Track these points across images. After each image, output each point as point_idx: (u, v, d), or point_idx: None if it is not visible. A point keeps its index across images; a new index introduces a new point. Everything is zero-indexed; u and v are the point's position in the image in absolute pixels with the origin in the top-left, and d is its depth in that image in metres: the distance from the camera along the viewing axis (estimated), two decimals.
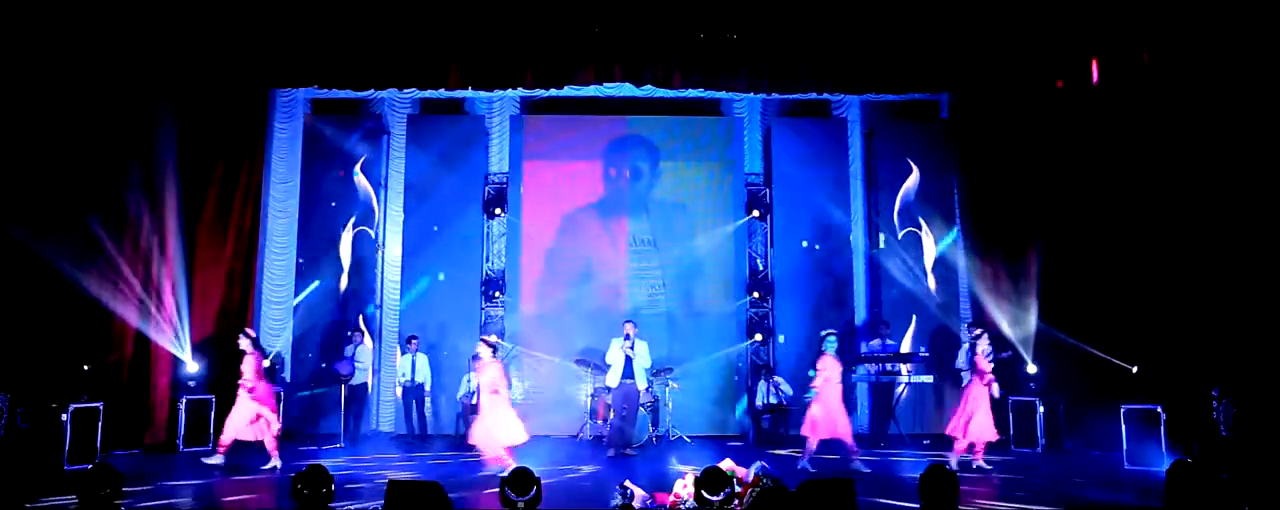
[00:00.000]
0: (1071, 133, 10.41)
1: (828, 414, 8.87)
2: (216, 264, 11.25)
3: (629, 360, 9.90)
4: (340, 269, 11.94)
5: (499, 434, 8.66)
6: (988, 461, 8.97)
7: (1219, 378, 8.51)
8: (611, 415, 10.07)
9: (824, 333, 9.30)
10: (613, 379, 9.98)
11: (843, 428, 8.94)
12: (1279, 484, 7.33)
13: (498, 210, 12.15)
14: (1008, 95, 11.18)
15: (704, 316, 12.03)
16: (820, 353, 9.12)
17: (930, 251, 12.06)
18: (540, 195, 12.20)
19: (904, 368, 11.14)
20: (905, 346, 11.61)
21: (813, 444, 8.91)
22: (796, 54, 11.23)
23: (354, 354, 11.11)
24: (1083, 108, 10.34)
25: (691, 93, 11.85)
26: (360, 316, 11.89)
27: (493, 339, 9.38)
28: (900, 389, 11.26)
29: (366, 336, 11.36)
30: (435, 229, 11.95)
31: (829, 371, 8.97)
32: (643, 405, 10.60)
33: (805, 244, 12.03)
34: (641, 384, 9.98)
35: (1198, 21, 8.96)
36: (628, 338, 9.94)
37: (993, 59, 11.11)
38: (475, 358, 10.91)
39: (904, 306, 11.93)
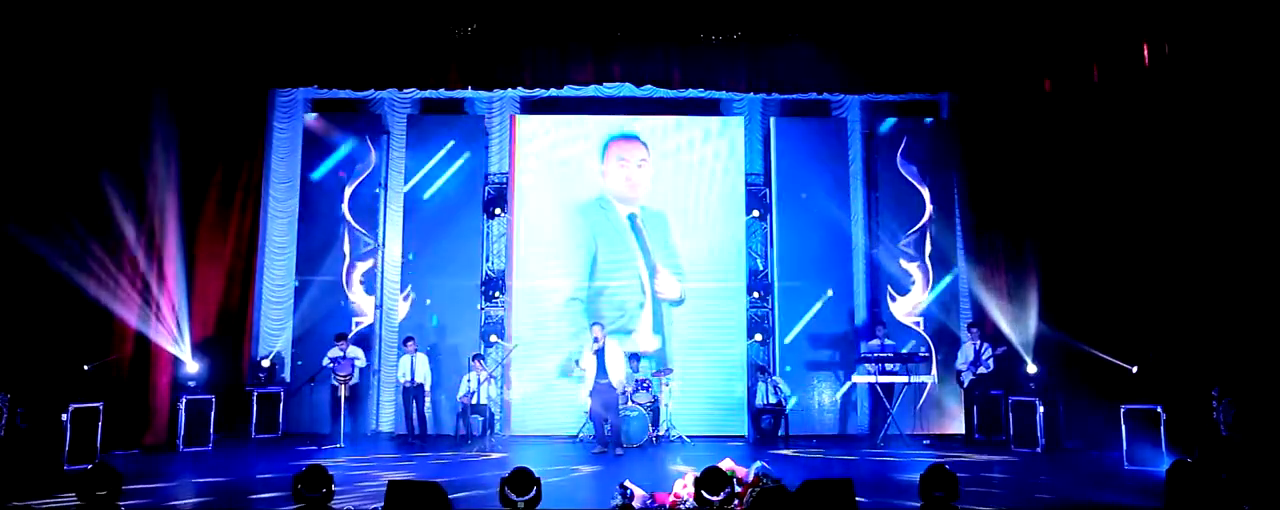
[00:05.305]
0: (1072, 133, 10.39)
1: None
2: (216, 264, 11.27)
3: (602, 363, 10.03)
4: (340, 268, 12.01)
5: None
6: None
7: (1219, 378, 8.50)
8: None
9: None
10: (589, 382, 10.15)
11: None
12: (1279, 484, 7.32)
13: (497, 210, 12.15)
14: (1008, 95, 11.19)
15: (704, 316, 12.02)
16: None
17: (929, 251, 12.10)
18: (540, 195, 12.20)
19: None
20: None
21: None
22: (796, 54, 11.25)
23: (353, 356, 11.10)
24: (1083, 108, 10.33)
25: (691, 93, 11.85)
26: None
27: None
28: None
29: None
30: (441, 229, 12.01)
31: None
32: (641, 405, 10.62)
33: (804, 243, 12.03)
34: (620, 383, 10.11)
35: (1198, 20, 8.95)
36: (596, 340, 10.09)
37: (993, 59, 11.11)
38: (476, 357, 10.99)
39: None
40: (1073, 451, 10.12)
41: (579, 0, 10.79)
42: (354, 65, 11.14)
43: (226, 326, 11.33)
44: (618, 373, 10.12)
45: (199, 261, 11.05)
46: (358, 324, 11.99)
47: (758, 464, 6.59)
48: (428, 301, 11.83)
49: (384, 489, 4.67)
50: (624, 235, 12.02)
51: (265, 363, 11.52)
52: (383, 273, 12.11)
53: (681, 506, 6.22)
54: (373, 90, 11.89)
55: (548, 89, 11.58)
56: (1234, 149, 8.64)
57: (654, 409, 10.92)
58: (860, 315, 12.10)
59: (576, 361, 10.99)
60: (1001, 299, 11.23)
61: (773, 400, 11.07)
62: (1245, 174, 8.54)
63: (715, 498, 4.51)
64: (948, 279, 12.04)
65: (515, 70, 11.21)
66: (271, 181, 12.01)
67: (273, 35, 10.87)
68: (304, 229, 12.11)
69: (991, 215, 11.54)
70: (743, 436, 11.37)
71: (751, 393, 11.45)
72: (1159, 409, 8.83)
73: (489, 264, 12.14)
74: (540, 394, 11.76)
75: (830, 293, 11.86)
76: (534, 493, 4.35)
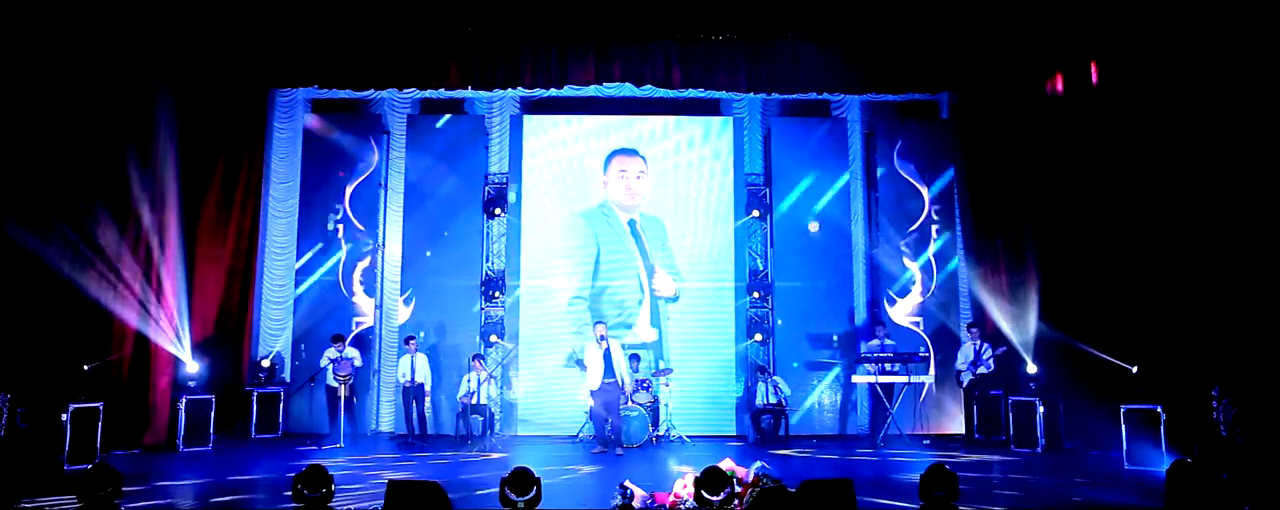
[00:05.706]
0: (1072, 133, 10.39)
1: None
2: (216, 264, 11.27)
3: (609, 361, 10.12)
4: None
5: None
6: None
7: (1219, 378, 8.50)
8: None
9: None
10: (593, 381, 10.19)
11: None
12: (1279, 484, 7.32)
13: (497, 210, 12.15)
14: (1008, 95, 11.18)
15: (704, 316, 12.02)
16: None
17: (929, 251, 12.11)
18: (540, 195, 12.21)
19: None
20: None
21: None
22: (796, 54, 11.25)
23: (350, 357, 11.09)
24: (1083, 108, 10.32)
25: (691, 93, 11.86)
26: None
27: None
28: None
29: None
30: (446, 234, 11.99)
31: None
32: (641, 405, 10.63)
33: (804, 243, 12.03)
34: (627, 382, 10.17)
35: (1197, 19, 8.94)
36: (603, 338, 10.20)
37: (993, 59, 11.11)
38: (476, 357, 10.99)
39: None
40: (1073, 451, 10.12)
41: (579, 0, 10.80)
42: (354, 65, 11.14)
43: (226, 326, 11.33)
44: (623, 372, 10.15)
45: (199, 261, 11.05)
46: (358, 324, 12.00)
47: (758, 464, 6.59)
48: (422, 334, 11.65)
49: (384, 489, 4.68)
50: (625, 239, 12.12)
51: (265, 363, 11.52)
52: (383, 273, 12.12)
53: (681, 506, 6.22)
54: (373, 90, 11.89)
55: (548, 89, 11.58)
56: (1234, 149, 8.64)
57: (654, 409, 10.93)
58: (860, 315, 12.10)
59: (578, 361, 10.99)
60: (1001, 299, 11.23)
61: (773, 400, 11.06)
62: (1245, 174, 8.54)
63: (715, 498, 4.51)
64: (947, 274, 12.07)
65: (515, 70, 11.21)
66: (271, 181, 12.01)
67: (273, 35, 10.87)
68: (304, 229, 12.12)
69: (991, 215, 11.54)
70: (743, 437, 11.37)
71: (752, 393, 11.45)
72: (1159, 409, 8.83)
73: (489, 264, 12.14)
74: (540, 394, 11.77)
75: (836, 338, 11.89)
76: (534, 493, 4.35)
